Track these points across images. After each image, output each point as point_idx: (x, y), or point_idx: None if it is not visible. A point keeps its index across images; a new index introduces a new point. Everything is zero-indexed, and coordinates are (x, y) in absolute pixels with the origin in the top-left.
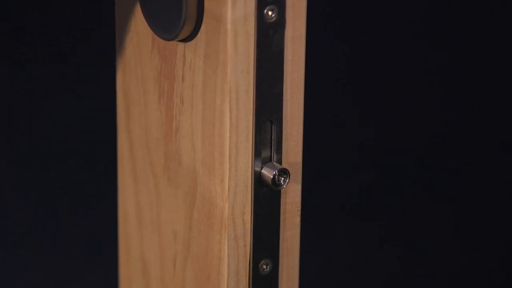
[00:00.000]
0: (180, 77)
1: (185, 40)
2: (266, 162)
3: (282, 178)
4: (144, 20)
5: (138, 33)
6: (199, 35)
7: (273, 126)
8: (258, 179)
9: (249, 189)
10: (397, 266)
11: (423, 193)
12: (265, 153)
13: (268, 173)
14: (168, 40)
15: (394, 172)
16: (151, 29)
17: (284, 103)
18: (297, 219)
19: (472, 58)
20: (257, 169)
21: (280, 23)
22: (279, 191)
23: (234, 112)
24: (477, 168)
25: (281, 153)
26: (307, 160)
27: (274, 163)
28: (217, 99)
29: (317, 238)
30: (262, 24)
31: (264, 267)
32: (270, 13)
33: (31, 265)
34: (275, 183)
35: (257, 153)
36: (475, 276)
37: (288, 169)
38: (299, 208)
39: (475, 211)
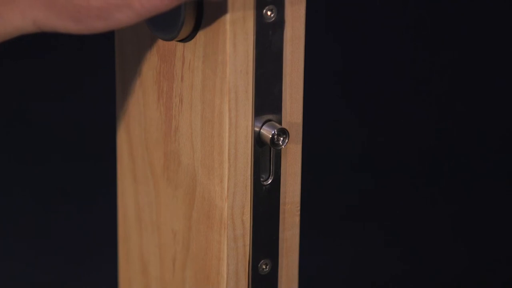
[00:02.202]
0: (179, 77)
1: (184, 40)
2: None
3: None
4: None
5: (138, 33)
6: (198, 35)
7: None
8: (257, 179)
9: (248, 189)
10: (397, 266)
11: (423, 194)
12: None
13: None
14: (167, 40)
15: (394, 173)
16: (150, 29)
17: (283, 103)
18: (297, 219)
19: (473, 58)
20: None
21: (279, 23)
22: (279, 191)
23: (233, 112)
24: (477, 168)
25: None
26: (307, 160)
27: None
28: (216, 99)
29: (317, 239)
30: (261, 24)
31: (264, 267)
32: (269, 13)
33: (31, 265)
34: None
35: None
36: (475, 276)
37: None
38: (299, 208)
39: (475, 212)
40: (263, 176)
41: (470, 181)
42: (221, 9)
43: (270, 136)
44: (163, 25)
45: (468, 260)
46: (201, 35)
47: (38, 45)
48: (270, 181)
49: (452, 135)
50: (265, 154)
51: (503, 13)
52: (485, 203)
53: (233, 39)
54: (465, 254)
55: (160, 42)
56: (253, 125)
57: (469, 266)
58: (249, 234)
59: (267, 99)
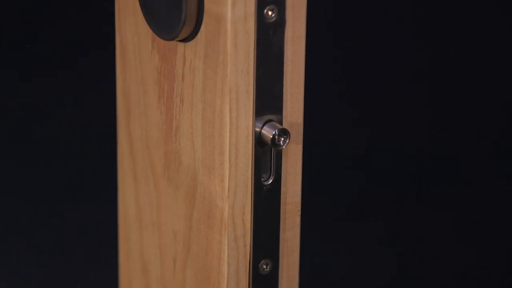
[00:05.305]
0: (180, 77)
1: (185, 40)
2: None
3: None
4: (144, 20)
5: (138, 33)
6: (199, 35)
7: None
8: (258, 179)
9: (249, 189)
10: (396, 267)
11: (423, 194)
12: None
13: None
14: (168, 40)
15: (394, 173)
16: (151, 29)
17: (284, 103)
18: (297, 219)
19: (471, 59)
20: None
21: (280, 23)
22: (279, 191)
23: (234, 112)
24: (477, 168)
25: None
26: (306, 161)
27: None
28: (217, 99)
29: (317, 239)
30: (262, 24)
31: (264, 267)
32: (270, 13)
33: (31, 265)
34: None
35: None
36: (475, 276)
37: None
38: (299, 208)
39: (474, 212)
40: (263, 176)
41: (470, 181)
42: (222, 9)
43: (271, 136)
44: (164, 25)
45: (468, 260)
46: (202, 34)
47: (37, 44)
48: (270, 181)
49: (452, 135)
50: (265, 154)
51: (503, 13)
52: (486, 203)
53: (234, 39)
54: (465, 254)
55: (161, 42)
56: (254, 125)
57: (469, 266)
58: (249, 234)
59: (267, 99)
